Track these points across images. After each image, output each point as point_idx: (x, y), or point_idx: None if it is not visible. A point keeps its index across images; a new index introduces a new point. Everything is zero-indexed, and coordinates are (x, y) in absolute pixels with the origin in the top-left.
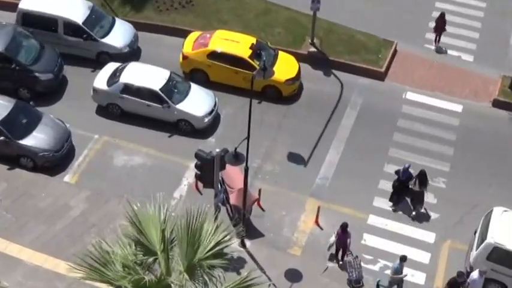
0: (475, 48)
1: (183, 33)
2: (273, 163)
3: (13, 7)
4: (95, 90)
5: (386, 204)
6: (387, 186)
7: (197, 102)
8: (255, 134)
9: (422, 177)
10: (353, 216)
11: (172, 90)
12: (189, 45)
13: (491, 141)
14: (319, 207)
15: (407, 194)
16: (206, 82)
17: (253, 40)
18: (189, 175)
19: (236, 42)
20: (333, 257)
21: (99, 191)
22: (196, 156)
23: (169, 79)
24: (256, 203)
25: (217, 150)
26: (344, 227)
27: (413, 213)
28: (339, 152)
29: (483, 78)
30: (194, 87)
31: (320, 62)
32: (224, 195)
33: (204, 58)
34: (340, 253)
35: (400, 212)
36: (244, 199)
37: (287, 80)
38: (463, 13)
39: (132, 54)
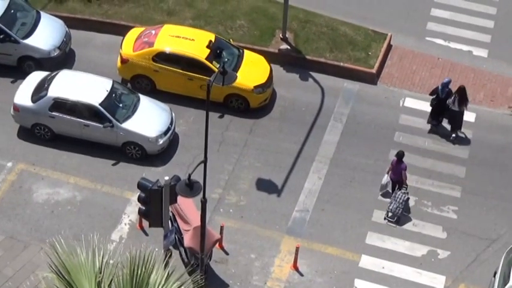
0: (489, 40)
1: (119, 29)
2: (237, 193)
3: None
4: (17, 107)
5: (381, 241)
6: (382, 218)
7: (149, 119)
8: (215, 157)
9: (462, 94)
10: (341, 258)
11: (117, 105)
12: (128, 45)
13: (511, 158)
14: (297, 248)
15: (446, 115)
16: (152, 91)
17: (211, 37)
18: (131, 211)
19: (190, 40)
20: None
21: (14, 235)
22: (140, 186)
23: (112, 91)
24: (217, 244)
25: (166, 178)
26: (400, 155)
27: (453, 135)
28: (321, 176)
29: (500, 78)
30: (144, 100)
31: (295, 62)
32: (176, 236)
33: (149, 61)
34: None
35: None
36: (202, 240)
37: (256, 87)
38: None
39: (63, 58)
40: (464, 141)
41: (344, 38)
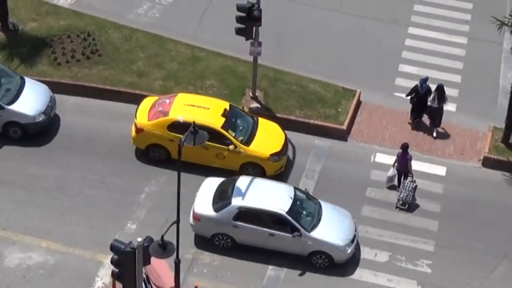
0: (457, 94)
1: (89, 92)
2: (211, 252)
3: None
4: (198, 217)
5: None
6: (360, 275)
7: (334, 227)
8: (187, 217)
9: (441, 92)
10: None
11: (301, 213)
12: (143, 114)
13: (484, 211)
14: None
15: (426, 110)
16: (167, 161)
17: (225, 105)
18: (104, 274)
19: (205, 109)
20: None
21: None
22: (112, 248)
23: (296, 197)
24: None
25: (139, 239)
26: (405, 147)
27: (434, 134)
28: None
29: (469, 132)
30: (326, 207)
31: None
32: None
33: (164, 130)
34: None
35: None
36: None
37: (272, 155)
38: (442, 52)
39: (48, 123)
40: (435, 195)
41: (314, 96)
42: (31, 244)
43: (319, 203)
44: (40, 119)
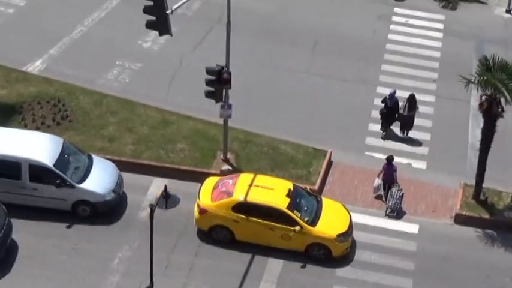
0: (427, 152)
1: None
2: None
3: None
4: None
5: None
6: None
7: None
8: (161, 281)
9: (411, 101)
10: None
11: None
12: (206, 195)
13: (458, 268)
14: None
15: (397, 119)
16: (231, 242)
17: (289, 185)
18: None
19: (269, 189)
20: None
21: None
22: None
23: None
24: None
25: None
26: (390, 160)
27: (404, 134)
28: None
29: (440, 189)
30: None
31: None
32: None
33: (229, 211)
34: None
35: (391, 141)
36: None
37: (338, 236)
38: None
39: (117, 202)
40: (409, 253)
41: (285, 157)
42: None
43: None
44: (110, 197)
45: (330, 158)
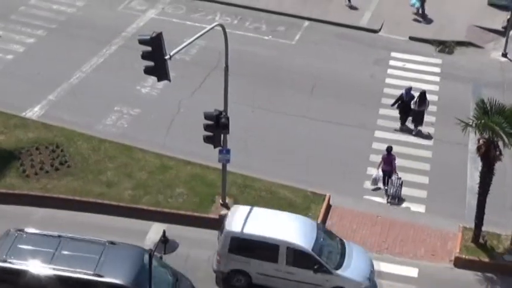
0: (425, 196)
1: (59, 203)
2: None
3: None
4: None
5: None
6: None
7: None
8: None
9: (422, 97)
10: None
11: None
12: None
13: None
14: None
15: (410, 114)
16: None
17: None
18: None
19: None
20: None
21: None
22: None
23: None
24: None
25: None
26: (389, 149)
27: (413, 132)
28: None
29: (439, 232)
30: None
31: None
32: None
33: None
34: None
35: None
36: None
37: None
38: (411, 154)
39: None
40: None
41: (283, 201)
42: None
43: None
44: (364, 285)
45: (328, 202)
